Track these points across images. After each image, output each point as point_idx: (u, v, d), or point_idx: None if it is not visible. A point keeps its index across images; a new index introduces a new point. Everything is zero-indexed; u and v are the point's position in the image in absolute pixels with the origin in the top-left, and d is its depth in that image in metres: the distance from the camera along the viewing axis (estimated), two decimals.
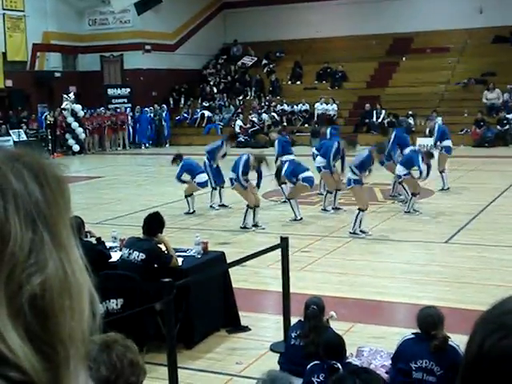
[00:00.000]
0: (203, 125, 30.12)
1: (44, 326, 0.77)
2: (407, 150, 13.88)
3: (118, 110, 29.18)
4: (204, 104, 31.38)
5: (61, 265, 0.80)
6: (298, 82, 32.08)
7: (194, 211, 13.78)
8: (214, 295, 7.33)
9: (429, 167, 12.91)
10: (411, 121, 24.76)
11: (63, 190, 0.85)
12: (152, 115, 29.49)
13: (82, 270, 0.84)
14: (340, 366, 4.59)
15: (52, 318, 0.78)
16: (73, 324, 0.80)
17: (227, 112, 30.59)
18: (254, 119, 28.79)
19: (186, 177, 13.66)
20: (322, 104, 28.66)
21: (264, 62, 33.61)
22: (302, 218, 12.70)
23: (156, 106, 29.87)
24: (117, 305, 6.38)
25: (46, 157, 0.86)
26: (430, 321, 4.72)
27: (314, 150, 14.57)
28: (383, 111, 26.90)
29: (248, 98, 31.67)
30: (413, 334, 4.85)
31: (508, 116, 25.49)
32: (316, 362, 4.85)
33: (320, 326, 5.41)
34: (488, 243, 10.75)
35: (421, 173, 12.62)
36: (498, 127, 25.12)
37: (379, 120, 26.59)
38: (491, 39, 29.76)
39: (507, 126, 25.07)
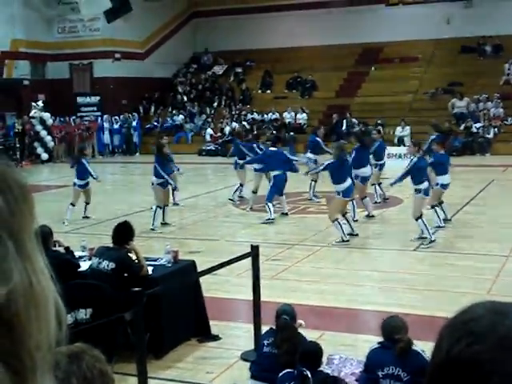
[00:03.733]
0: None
1: (10, 338, 0.75)
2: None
3: (87, 119, 28.95)
4: (174, 112, 31.30)
5: (26, 274, 0.77)
6: (268, 91, 32.19)
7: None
8: (185, 304, 7.29)
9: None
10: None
11: (27, 198, 0.82)
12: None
13: (48, 279, 0.81)
14: (309, 374, 4.61)
15: (18, 329, 0.76)
16: (39, 334, 0.78)
17: (198, 120, 30.54)
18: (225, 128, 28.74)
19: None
20: (289, 113, 28.85)
21: (234, 70, 33.66)
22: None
23: (126, 114, 29.71)
24: (86, 314, 6.32)
25: (9, 164, 0.83)
26: (393, 325, 4.82)
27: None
28: (353, 120, 27.08)
29: (219, 106, 31.66)
30: (378, 343, 4.91)
31: (475, 125, 25.83)
32: (288, 370, 4.86)
33: (294, 336, 5.34)
34: (455, 251, 10.87)
35: None
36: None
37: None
38: (458, 49, 30.20)
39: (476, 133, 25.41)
